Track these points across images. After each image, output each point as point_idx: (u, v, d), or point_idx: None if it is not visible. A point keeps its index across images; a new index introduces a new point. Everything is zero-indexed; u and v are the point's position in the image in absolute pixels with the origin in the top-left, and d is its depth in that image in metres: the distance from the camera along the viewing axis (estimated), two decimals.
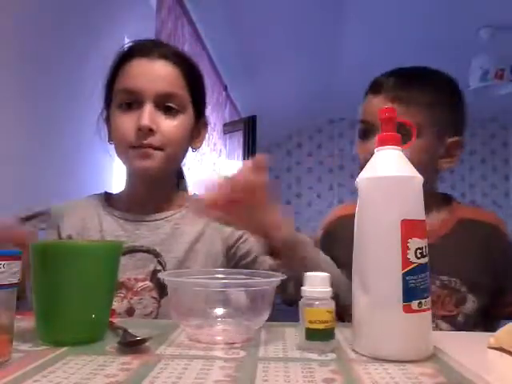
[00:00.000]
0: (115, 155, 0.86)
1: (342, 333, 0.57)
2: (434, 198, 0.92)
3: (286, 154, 5.60)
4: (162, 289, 0.80)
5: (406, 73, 0.92)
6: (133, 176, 0.87)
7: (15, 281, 0.44)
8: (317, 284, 0.51)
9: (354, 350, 0.50)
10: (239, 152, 4.01)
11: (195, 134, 0.90)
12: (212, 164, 3.40)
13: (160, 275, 0.55)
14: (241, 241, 0.87)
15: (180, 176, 0.99)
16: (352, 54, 3.53)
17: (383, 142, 0.53)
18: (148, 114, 0.78)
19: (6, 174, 1.19)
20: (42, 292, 0.52)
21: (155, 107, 0.80)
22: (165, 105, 0.81)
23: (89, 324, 0.53)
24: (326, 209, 5.45)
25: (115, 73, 0.84)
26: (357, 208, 0.53)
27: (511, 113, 4.90)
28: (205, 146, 3.13)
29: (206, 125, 0.94)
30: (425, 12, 2.86)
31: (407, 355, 0.47)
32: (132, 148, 0.80)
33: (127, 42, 0.89)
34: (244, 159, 3.94)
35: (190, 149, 0.91)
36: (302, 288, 0.52)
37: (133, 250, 0.82)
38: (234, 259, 0.86)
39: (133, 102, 0.80)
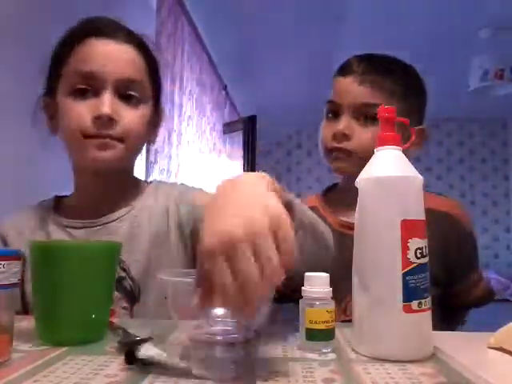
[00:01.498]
0: (62, 150, 0.77)
1: (341, 333, 0.57)
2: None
3: (286, 154, 5.60)
4: (130, 296, 0.73)
5: (376, 58, 0.91)
6: (84, 173, 0.78)
7: (15, 281, 0.44)
8: (317, 284, 0.51)
9: (354, 350, 0.50)
10: (239, 152, 4.01)
11: (152, 126, 0.82)
12: (212, 164, 3.40)
13: (159, 275, 0.54)
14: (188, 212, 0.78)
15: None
16: (352, 55, 3.53)
17: (383, 142, 0.52)
18: (108, 102, 0.70)
19: (6, 175, 1.19)
20: (42, 292, 0.52)
21: (115, 96, 0.72)
22: (126, 93, 0.73)
23: (89, 324, 0.53)
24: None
25: (65, 53, 0.74)
26: (357, 208, 0.53)
27: (511, 113, 4.90)
28: (204, 146, 3.13)
29: (161, 116, 0.86)
30: (424, 12, 2.87)
31: (407, 355, 0.47)
32: (88, 138, 0.71)
33: (81, 21, 0.79)
34: (244, 159, 3.94)
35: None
36: (302, 288, 0.52)
37: None
38: (189, 225, 0.76)
39: (88, 89, 0.71)
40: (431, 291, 0.77)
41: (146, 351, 0.42)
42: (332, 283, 0.65)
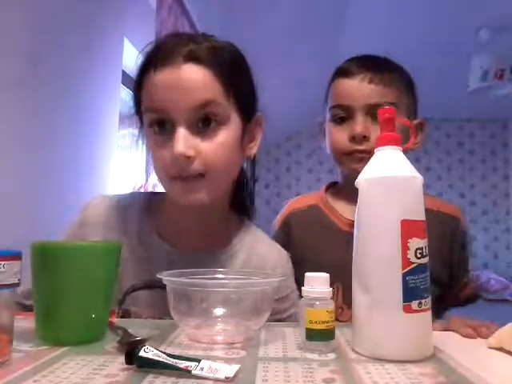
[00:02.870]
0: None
1: (342, 333, 0.57)
2: None
3: (285, 155, 5.60)
4: None
5: (375, 58, 0.91)
6: (178, 206, 0.72)
7: (15, 281, 0.44)
8: (317, 284, 0.51)
9: (354, 350, 0.50)
10: None
11: (247, 139, 0.74)
12: None
13: (159, 275, 0.55)
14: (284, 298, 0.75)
15: (239, 193, 0.82)
16: (352, 55, 3.53)
17: (383, 142, 0.53)
18: (182, 139, 0.64)
19: (7, 180, 1.19)
20: (42, 292, 0.52)
21: (189, 127, 0.66)
22: (202, 120, 0.66)
23: (89, 324, 0.53)
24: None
25: (136, 88, 0.70)
26: (356, 208, 0.53)
27: (511, 113, 4.90)
28: None
29: (260, 124, 0.78)
30: (425, 12, 2.87)
31: (407, 355, 0.47)
32: (173, 180, 0.67)
33: (151, 45, 0.71)
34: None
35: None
36: (303, 288, 0.52)
37: (145, 286, 0.71)
38: None
39: (165, 123, 0.66)
40: (434, 291, 0.79)
41: (146, 351, 0.42)
42: (341, 283, 0.74)
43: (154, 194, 0.82)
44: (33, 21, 1.32)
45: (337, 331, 0.51)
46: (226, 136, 0.68)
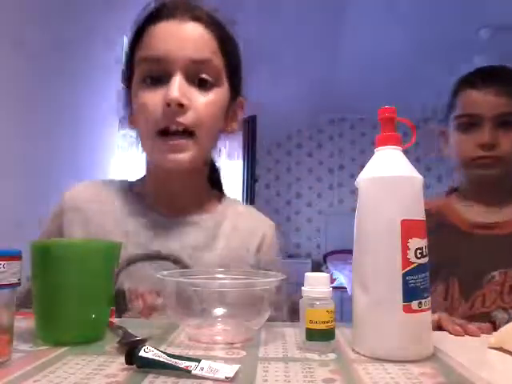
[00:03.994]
0: (138, 145, 0.73)
1: (341, 333, 0.57)
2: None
3: (286, 154, 5.60)
4: None
5: (498, 70, 0.98)
6: (159, 169, 0.73)
7: (15, 281, 0.44)
8: (317, 284, 0.51)
9: (354, 350, 0.50)
10: (239, 152, 4.02)
11: (230, 114, 0.76)
12: None
13: (159, 275, 0.54)
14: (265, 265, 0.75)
15: (212, 169, 0.84)
16: (352, 55, 3.53)
17: (383, 142, 0.53)
18: (177, 85, 0.64)
19: (7, 181, 1.19)
20: (42, 292, 0.52)
21: (186, 79, 0.66)
22: (198, 77, 0.67)
23: (89, 324, 0.53)
24: (326, 209, 5.46)
25: (133, 42, 0.70)
26: (357, 208, 0.53)
27: None
28: None
29: (242, 104, 0.79)
30: (425, 12, 2.87)
31: (407, 355, 0.47)
32: (160, 136, 0.66)
33: (150, 4, 0.72)
34: (244, 159, 3.94)
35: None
36: (302, 288, 0.52)
37: (156, 257, 0.70)
38: None
39: (160, 76, 0.66)
40: None
41: (146, 351, 0.42)
42: (457, 278, 0.87)
43: (130, 183, 0.82)
44: (33, 20, 1.32)
45: (337, 331, 0.51)
46: (217, 96, 0.69)
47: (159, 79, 0.66)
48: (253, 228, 0.78)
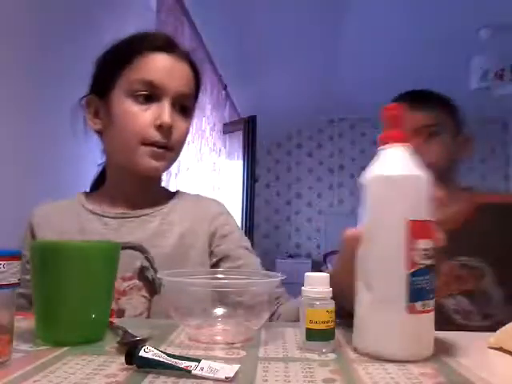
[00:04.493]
0: (106, 147, 0.83)
1: (342, 333, 0.57)
2: (455, 189, 1.06)
3: (286, 154, 5.60)
4: (151, 287, 0.77)
5: (410, 92, 1.13)
6: (126, 172, 0.81)
7: (15, 281, 0.44)
8: (317, 284, 0.51)
9: (354, 350, 0.50)
10: (239, 152, 4.02)
11: None
12: (212, 164, 3.40)
13: (159, 275, 0.55)
14: (220, 238, 0.84)
15: None
16: (352, 55, 3.53)
17: (389, 140, 0.52)
18: (169, 112, 0.77)
19: (7, 181, 1.19)
20: (42, 292, 0.52)
21: (172, 105, 0.78)
22: (180, 104, 0.80)
23: (89, 324, 0.53)
24: (326, 209, 5.46)
25: (123, 61, 0.78)
26: (361, 205, 0.52)
27: (511, 113, 4.90)
28: (204, 146, 3.13)
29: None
30: (425, 12, 2.87)
31: (408, 355, 0.47)
32: (144, 145, 0.76)
33: (144, 33, 0.83)
34: (244, 159, 3.94)
35: None
36: (303, 288, 0.52)
37: (125, 247, 0.76)
38: (210, 259, 0.83)
39: (150, 95, 0.77)
40: (500, 273, 0.93)
41: (146, 351, 0.42)
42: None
43: (89, 191, 0.91)
44: (33, 20, 1.32)
45: (337, 331, 0.51)
46: (189, 124, 0.84)
47: (148, 99, 0.77)
48: (203, 211, 0.86)
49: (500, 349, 0.52)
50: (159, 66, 0.78)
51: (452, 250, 0.89)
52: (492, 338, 0.54)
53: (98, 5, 1.67)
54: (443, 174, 1.01)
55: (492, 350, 0.53)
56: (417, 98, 1.09)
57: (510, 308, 0.96)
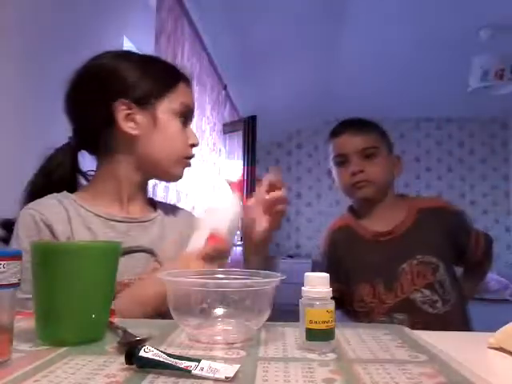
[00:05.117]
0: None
1: (342, 333, 0.57)
2: (395, 199, 1.29)
3: (286, 154, 5.60)
4: None
5: (352, 119, 1.31)
6: (145, 177, 0.91)
7: (15, 281, 0.44)
8: (317, 284, 0.51)
9: (354, 351, 0.50)
10: (239, 152, 4.01)
11: None
12: (212, 164, 3.40)
13: (159, 275, 0.55)
14: None
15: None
16: (352, 55, 3.53)
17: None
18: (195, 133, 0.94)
19: (7, 180, 1.19)
20: (42, 292, 0.52)
21: None
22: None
23: (89, 324, 0.53)
24: (326, 209, 5.46)
25: (170, 84, 0.88)
26: None
27: (511, 113, 4.90)
28: (204, 146, 3.13)
29: None
30: (425, 12, 2.87)
31: None
32: (182, 159, 0.89)
33: (175, 66, 0.95)
34: (244, 159, 3.94)
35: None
36: (302, 288, 0.52)
37: (130, 251, 0.81)
38: None
39: (186, 119, 0.90)
40: (448, 264, 1.19)
41: (146, 351, 0.42)
42: (371, 280, 1.19)
43: (83, 188, 0.92)
44: (33, 20, 1.31)
45: (337, 331, 0.51)
46: None
47: (185, 121, 0.91)
48: (182, 217, 0.98)
49: (500, 349, 0.52)
50: (189, 94, 0.92)
51: (409, 250, 1.19)
52: (492, 338, 0.54)
53: (98, 5, 1.67)
54: (384, 188, 1.25)
55: (492, 350, 0.53)
56: (356, 124, 1.28)
57: (456, 290, 1.19)
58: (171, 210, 0.98)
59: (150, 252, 0.84)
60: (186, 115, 0.90)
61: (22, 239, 0.77)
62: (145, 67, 0.88)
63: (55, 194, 0.85)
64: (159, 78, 0.89)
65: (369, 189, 1.23)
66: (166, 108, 0.87)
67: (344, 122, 1.32)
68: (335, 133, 1.31)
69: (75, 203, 0.83)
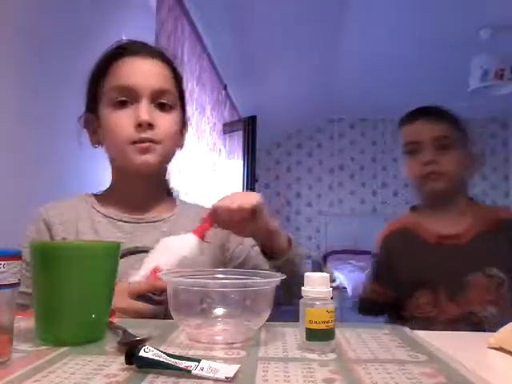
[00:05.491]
0: (106, 156, 0.87)
1: (342, 333, 0.57)
2: (467, 202, 1.18)
3: (286, 154, 5.60)
4: None
5: (426, 107, 1.19)
6: (128, 174, 0.85)
7: (15, 281, 0.44)
8: (317, 284, 0.51)
9: (353, 350, 0.50)
10: (239, 152, 4.01)
11: (180, 132, 0.92)
12: (212, 164, 3.40)
13: (159, 275, 0.55)
14: (235, 247, 0.90)
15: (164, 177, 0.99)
16: (352, 54, 3.52)
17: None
18: (146, 109, 0.80)
19: (7, 180, 1.19)
20: (42, 292, 0.52)
21: (150, 104, 0.81)
22: (159, 101, 0.82)
23: (89, 324, 0.53)
24: (326, 209, 5.46)
25: (102, 73, 0.84)
26: None
27: (511, 113, 4.90)
28: (204, 146, 3.13)
29: (187, 123, 0.96)
30: (424, 12, 2.86)
31: None
32: (132, 144, 0.80)
33: (110, 47, 0.87)
34: (244, 159, 3.94)
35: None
36: (303, 288, 0.52)
37: (136, 252, 0.80)
38: (231, 262, 0.89)
39: (127, 100, 0.81)
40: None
41: (146, 351, 0.42)
42: (432, 287, 1.08)
43: (95, 194, 0.92)
44: (33, 20, 1.31)
45: (337, 331, 0.51)
46: (174, 116, 0.85)
47: (126, 103, 0.81)
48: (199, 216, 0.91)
49: (500, 349, 0.52)
50: (128, 70, 0.82)
51: (478, 260, 1.08)
52: (492, 338, 0.54)
53: (98, 5, 1.67)
54: (457, 184, 1.14)
55: (492, 350, 0.53)
56: (433, 111, 1.17)
57: None
58: (191, 209, 0.93)
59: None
60: (125, 95, 0.81)
61: (26, 234, 0.82)
62: (92, 70, 0.86)
63: (81, 194, 0.89)
64: (94, 76, 0.85)
65: (441, 182, 1.11)
66: (102, 104, 0.83)
67: (419, 108, 1.20)
68: (409, 118, 1.19)
69: (88, 204, 0.86)
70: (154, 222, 0.86)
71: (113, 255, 0.56)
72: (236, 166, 4.05)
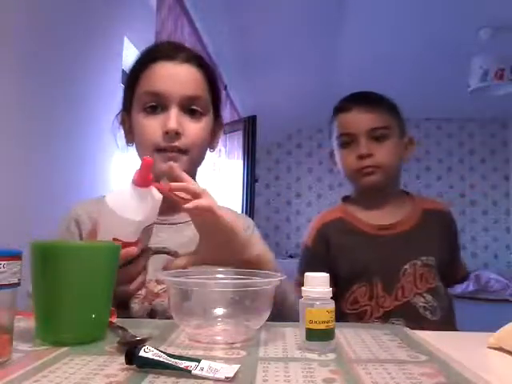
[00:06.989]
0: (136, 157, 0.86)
1: (342, 333, 0.57)
2: (401, 193, 1.18)
3: (286, 154, 5.60)
4: None
5: (362, 94, 1.15)
6: (154, 178, 0.84)
7: (15, 281, 0.44)
8: (317, 284, 0.51)
9: (354, 350, 0.50)
10: (239, 152, 4.01)
11: (213, 134, 0.91)
12: (212, 164, 3.40)
13: (159, 275, 0.55)
14: None
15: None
16: (352, 54, 3.52)
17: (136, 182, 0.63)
18: (175, 118, 0.79)
19: (8, 180, 1.19)
20: (42, 292, 0.52)
21: (180, 110, 0.81)
22: (189, 108, 0.82)
23: (89, 324, 0.53)
24: (326, 209, 5.46)
25: (137, 76, 0.84)
26: None
27: (511, 113, 4.90)
28: None
29: (222, 125, 0.95)
30: (425, 12, 2.86)
31: None
32: (158, 151, 0.80)
33: (148, 47, 0.88)
34: (244, 159, 3.94)
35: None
36: (302, 288, 0.52)
37: (157, 252, 0.79)
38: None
39: (157, 105, 0.81)
40: (442, 272, 1.08)
41: (146, 351, 0.42)
42: (380, 277, 1.05)
43: None
44: (33, 20, 1.32)
45: (337, 331, 0.51)
46: (205, 123, 0.85)
47: (157, 109, 0.81)
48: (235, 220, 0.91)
49: (499, 349, 0.52)
50: (160, 75, 0.81)
51: (413, 250, 1.08)
52: (492, 337, 0.54)
53: (98, 5, 1.67)
54: (393, 175, 1.12)
55: (492, 350, 0.53)
56: (366, 100, 1.11)
57: (448, 297, 1.10)
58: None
59: (173, 255, 0.80)
60: (156, 101, 0.80)
61: (58, 231, 0.84)
62: (130, 70, 0.87)
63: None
64: (128, 78, 0.86)
65: (378, 176, 1.08)
66: (134, 108, 0.84)
67: (352, 95, 1.14)
68: (342, 108, 1.13)
69: None
70: (177, 223, 0.86)
71: (113, 255, 0.56)
72: (236, 166, 4.05)
